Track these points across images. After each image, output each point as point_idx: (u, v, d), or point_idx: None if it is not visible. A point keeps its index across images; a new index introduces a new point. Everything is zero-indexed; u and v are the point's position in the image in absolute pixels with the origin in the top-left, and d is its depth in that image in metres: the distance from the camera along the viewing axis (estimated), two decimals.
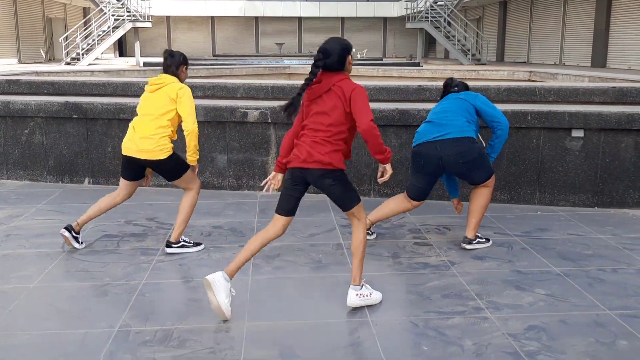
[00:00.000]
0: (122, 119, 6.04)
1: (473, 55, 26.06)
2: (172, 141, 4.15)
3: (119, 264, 4.08)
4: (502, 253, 4.33)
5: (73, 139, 6.27)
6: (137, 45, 28.84)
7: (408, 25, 29.03)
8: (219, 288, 3.21)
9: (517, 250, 4.38)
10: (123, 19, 26.85)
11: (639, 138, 5.40)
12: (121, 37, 30.61)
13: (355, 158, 5.79)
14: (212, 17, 40.31)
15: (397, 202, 4.54)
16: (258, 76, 13.16)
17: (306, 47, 39.34)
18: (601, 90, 7.12)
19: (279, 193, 3.53)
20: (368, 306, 3.43)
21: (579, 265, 4.10)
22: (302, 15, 39.05)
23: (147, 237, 4.62)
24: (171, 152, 4.13)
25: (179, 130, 4.21)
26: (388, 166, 3.51)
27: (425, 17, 27.28)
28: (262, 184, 3.69)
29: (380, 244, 4.51)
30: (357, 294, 3.41)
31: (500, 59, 31.13)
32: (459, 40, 26.84)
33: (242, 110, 5.91)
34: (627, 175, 5.45)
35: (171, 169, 4.20)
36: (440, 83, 5.16)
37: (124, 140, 4.20)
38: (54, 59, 31.08)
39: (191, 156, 4.17)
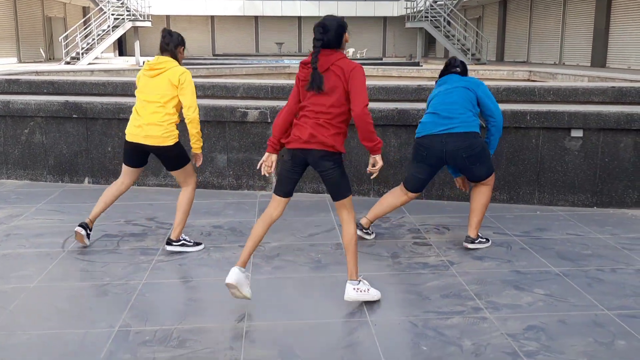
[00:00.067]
0: (121, 118, 6.04)
1: (473, 54, 26.05)
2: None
3: (118, 263, 4.09)
4: (501, 253, 4.34)
5: (73, 138, 6.28)
6: (136, 45, 28.82)
7: (408, 24, 29.02)
8: (242, 284, 3.37)
9: (516, 250, 4.39)
10: (123, 18, 26.83)
11: (638, 138, 5.41)
12: (121, 37, 30.61)
13: (355, 158, 5.80)
14: (212, 17, 40.29)
15: (394, 196, 4.54)
16: (258, 76, 13.16)
17: (306, 46, 39.32)
18: (600, 90, 7.12)
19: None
20: (367, 306, 3.44)
21: (578, 265, 4.11)
22: (302, 14, 39.02)
23: (146, 237, 4.63)
24: (177, 140, 4.16)
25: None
26: (378, 157, 3.47)
27: (425, 17, 27.28)
28: (257, 167, 3.66)
29: (379, 244, 4.52)
30: (354, 288, 3.42)
31: (500, 58, 31.13)
32: (458, 40, 26.83)
33: (242, 110, 5.92)
34: (626, 175, 5.46)
35: (176, 156, 4.20)
36: None
37: (129, 126, 4.18)
38: (53, 58, 31.07)
39: (195, 143, 4.18)
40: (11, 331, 3.15)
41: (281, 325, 3.24)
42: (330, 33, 3.32)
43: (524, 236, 4.70)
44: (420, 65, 18.25)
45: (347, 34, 3.40)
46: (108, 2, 26.76)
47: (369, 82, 8.21)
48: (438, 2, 27.93)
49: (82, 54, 25.31)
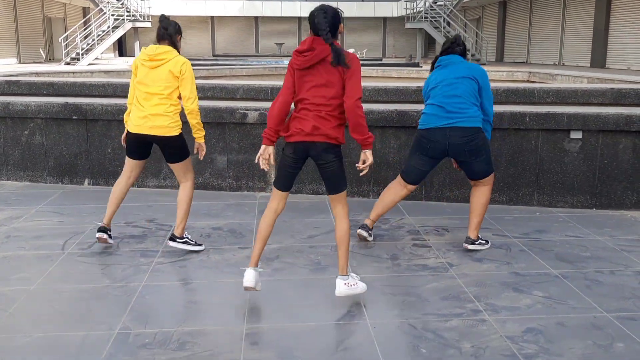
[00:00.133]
0: (122, 120, 6.02)
1: (472, 55, 26.07)
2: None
3: (118, 265, 4.09)
4: (501, 255, 4.34)
5: (73, 140, 6.28)
6: (136, 45, 28.87)
7: (408, 25, 29.06)
8: (258, 282, 3.51)
9: (515, 252, 4.40)
10: (123, 19, 26.87)
11: (637, 139, 5.42)
12: (121, 37, 30.63)
13: (355, 159, 5.79)
14: (212, 17, 40.31)
15: (394, 192, 4.56)
16: (258, 77, 13.15)
17: None
18: (600, 92, 7.12)
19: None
20: (367, 309, 3.45)
21: (577, 267, 4.11)
22: (302, 15, 39.02)
23: (146, 239, 4.63)
24: (181, 130, 4.18)
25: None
26: (369, 153, 3.45)
27: (425, 17, 27.30)
28: (255, 161, 3.59)
29: (378, 246, 4.52)
30: (345, 284, 3.45)
31: (499, 59, 31.15)
32: None
33: (242, 111, 5.92)
34: (626, 177, 5.47)
35: (180, 146, 4.22)
36: None
37: (132, 117, 4.17)
38: (53, 59, 31.09)
39: (197, 133, 4.19)
40: (11, 333, 3.15)
41: (280, 327, 3.25)
42: (328, 19, 3.30)
43: (523, 238, 4.71)
44: (420, 66, 18.24)
45: (342, 24, 3.41)
46: (108, 2, 26.79)
47: (369, 83, 8.22)
48: (438, 3, 27.97)
49: (82, 54, 25.34)
